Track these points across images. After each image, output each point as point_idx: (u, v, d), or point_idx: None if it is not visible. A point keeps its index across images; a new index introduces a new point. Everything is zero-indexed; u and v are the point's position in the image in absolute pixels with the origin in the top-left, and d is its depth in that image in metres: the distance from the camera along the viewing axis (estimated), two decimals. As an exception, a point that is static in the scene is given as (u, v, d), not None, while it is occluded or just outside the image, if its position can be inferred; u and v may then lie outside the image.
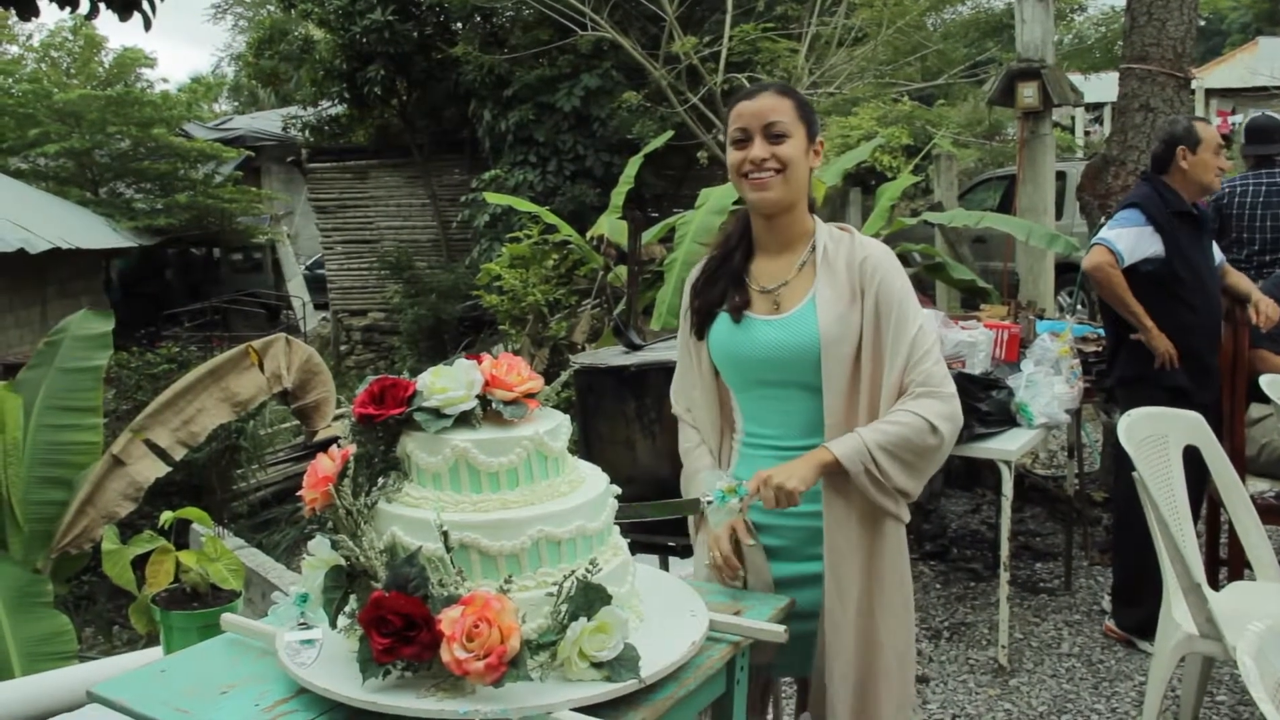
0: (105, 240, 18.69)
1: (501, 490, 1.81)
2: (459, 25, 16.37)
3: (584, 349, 9.48)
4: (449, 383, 1.85)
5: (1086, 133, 23.23)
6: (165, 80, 24.26)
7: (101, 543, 2.92)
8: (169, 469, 5.07)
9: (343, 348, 18.20)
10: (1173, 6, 6.19)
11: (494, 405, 1.85)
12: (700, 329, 2.43)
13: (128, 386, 11.80)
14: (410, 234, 17.86)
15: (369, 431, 1.88)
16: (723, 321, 2.39)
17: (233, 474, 11.40)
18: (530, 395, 1.90)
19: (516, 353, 9.74)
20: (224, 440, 10.95)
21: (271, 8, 22.61)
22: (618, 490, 1.98)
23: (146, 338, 18.78)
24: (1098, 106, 23.02)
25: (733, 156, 2.34)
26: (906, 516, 2.35)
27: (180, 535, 2.72)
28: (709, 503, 2.21)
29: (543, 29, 14.27)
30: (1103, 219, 6.43)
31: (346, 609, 1.80)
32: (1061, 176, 11.13)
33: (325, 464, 1.85)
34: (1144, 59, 6.26)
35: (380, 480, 1.87)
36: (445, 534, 1.72)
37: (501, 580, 1.71)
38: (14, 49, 24.82)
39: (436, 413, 1.83)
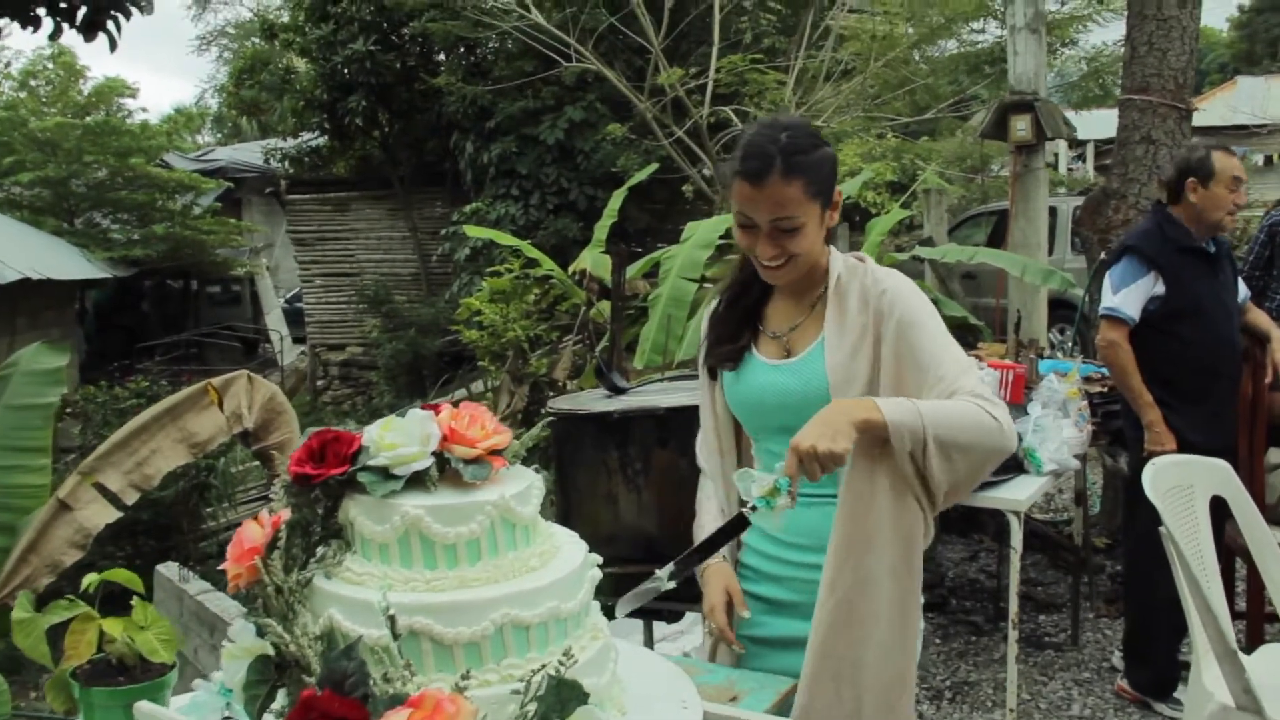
0: (78, 271, 18.34)
1: (460, 566, 1.53)
2: (442, 56, 16.18)
3: (565, 386, 9.22)
4: (400, 437, 1.57)
5: (1070, 169, 23.23)
6: (145, 110, 23.93)
7: (13, 610, 2.62)
8: (120, 514, 4.75)
9: (320, 383, 17.89)
10: (1174, 36, 6.01)
11: (453, 464, 1.57)
12: (712, 368, 2.26)
13: (94, 422, 11.52)
14: (390, 267, 17.60)
15: (306, 493, 1.61)
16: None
17: (202, 513, 11.09)
18: (496, 452, 1.62)
19: (496, 390, 9.49)
20: (192, 478, 10.66)
21: (256, 39, 22.40)
22: (598, 560, 1.71)
23: (120, 371, 18.46)
24: (1081, 143, 23.05)
25: (739, 237, 2.11)
26: (930, 530, 2.06)
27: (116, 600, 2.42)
28: (754, 510, 1.90)
29: (526, 60, 14.07)
30: (1102, 254, 6.22)
31: (275, 706, 1.52)
32: (1052, 212, 10.96)
33: (253, 532, 1.58)
34: (1145, 90, 6.06)
35: (319, 551, 1.60)
36: (392, 618, 1.44)
37: (458, 675, 1.43)
38: (-9, 77, 24.58)
39: (384, 473, 1.55)
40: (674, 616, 2.97)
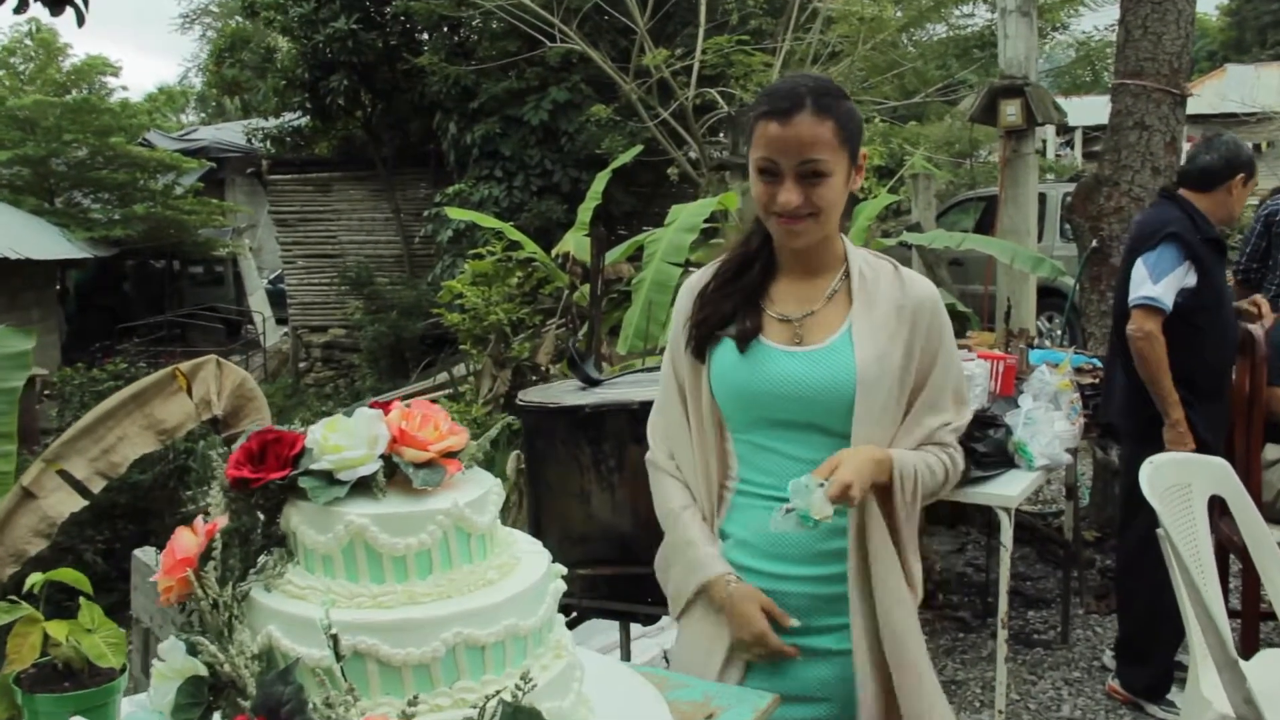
0: (58, 251, 18.13)
1: (409, 580, 1.40)
2: (425, 35, 15.98)
3: (548, 371, 9.10)
4: (345, 439, 1.44)
5: (1058, 155, 23.17)
6: (125, 88, 23.63)
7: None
8: (85, 503, 4.61)
9: (302, 365, 17.73)
10: (1169, 20, 5.88)
11: (402, 469, 1.44)
12: (700, 348, 2.02)
13: (72, 404, 11.37)
14: (373, 249, 17.43)
15: (245, 499, 1.48)
16: (728, 347, 2.00)
17: (181, 496, 10.95)
18: (450, 454, 1.50)
19: (478, 374, 9.35)
20: (171, 461, 10.52)
21: (240, 18, 22.14)
22: (562, 571, 1.59)
23: (101, 352, 18.28)
24: (1070, 129, 23.00)
25: (759, 189, 1.92)
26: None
27: (61, 602, 2.29)
28: (787, 514, 1.82)
29: (511, 40, 13.91)
30: (1094, 242, 6.11)
31: (207, 731, 1.39)
32: (1041, 199, 10.86)
33: (186, 540, 1.45)
34: (1138, 74, 5.94)
35: (259, 561, 1.47)
36: (334, 638, 1.32)
37: (406, 700, 1.31)
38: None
39: (328, 478, 1.42)
40: (649, 619, 2.86)
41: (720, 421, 2.03)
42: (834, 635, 1.98)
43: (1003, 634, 3.72)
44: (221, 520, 1.47)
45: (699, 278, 2.12)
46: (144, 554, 9.01)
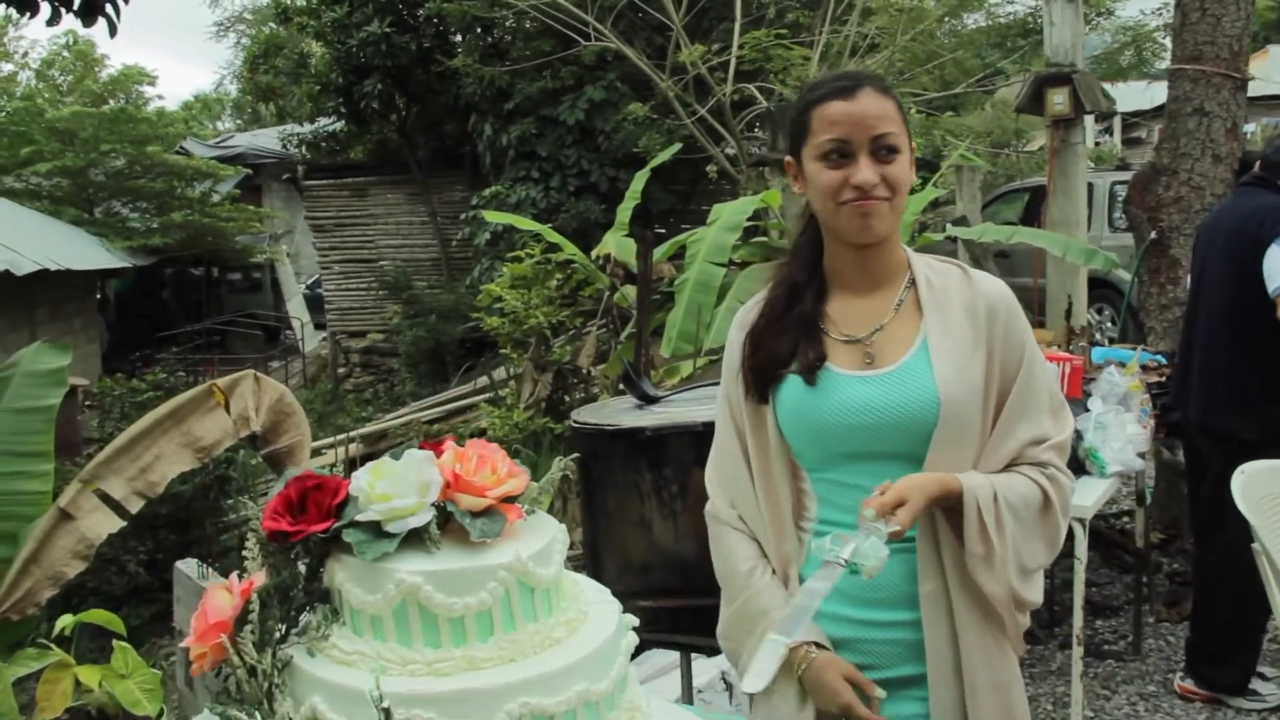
0: (97, 260, 18.20)
1: (468, 643, 1.27)
2: (458, 37, 15.87)
3: (590, 373, 8.98)
4: (393, 485, 1.30)
5: (1097, 143, 22.83)
6: (161, 97, 23.72)
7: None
8: (124, 523, 4.51)
9: (340, 370, 17.70)
10: (1228, 1, 5.66)
11: (457, 518, 1.30)
12: (763, 391, 1.84)
13: (113, 415, 11.35)
14: (410, 253, 17.35)
15: (284, 552, 1.34)
16: (793, 382, 1.82)
17: (223, 505, 10.92)
18: (510, 498, 1.35)
19: (519, 378, 9.25)
20: (212, 470, 10.48)
21: (274, 24, 22.17)
22: (634, 622, 1.44)
23: (141, 360, 18.34)
24: (1108, 116, 22.65)
25: (827, 177, 1.76)
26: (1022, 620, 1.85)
27: (93, 640, 2.18)
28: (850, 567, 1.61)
29: (545, 40, 13.78)
30: (1153, 233, 5.90)
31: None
32: (1088, 189, 10.62)
33: (219, 601, 1.31)
34: (1197, 59, 5.71)
35: (301, 621, 1.33)
36: (386, 711, 1.18)
37: (467, 781, 1.18)
38: (8, 66, 24.45)
39: (376, 530, 1.29)
40: (714, 651, 2.71)
41: (792, 461, 1.86)
42: (917, 690, 1.80)
43: (1077, 650, 3.56)
44: (259, 576, 1.33)
45: (747, 314, 1.94)
46: (186, 565, 8.96)
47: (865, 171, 1.73)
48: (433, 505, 1.30)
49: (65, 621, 2.08)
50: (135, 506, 4.51)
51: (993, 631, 1.79)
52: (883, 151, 1.74)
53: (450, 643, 1.26)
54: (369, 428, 11.99)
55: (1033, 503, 1.78)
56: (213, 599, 1.32)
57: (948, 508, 1.74)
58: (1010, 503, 1.75)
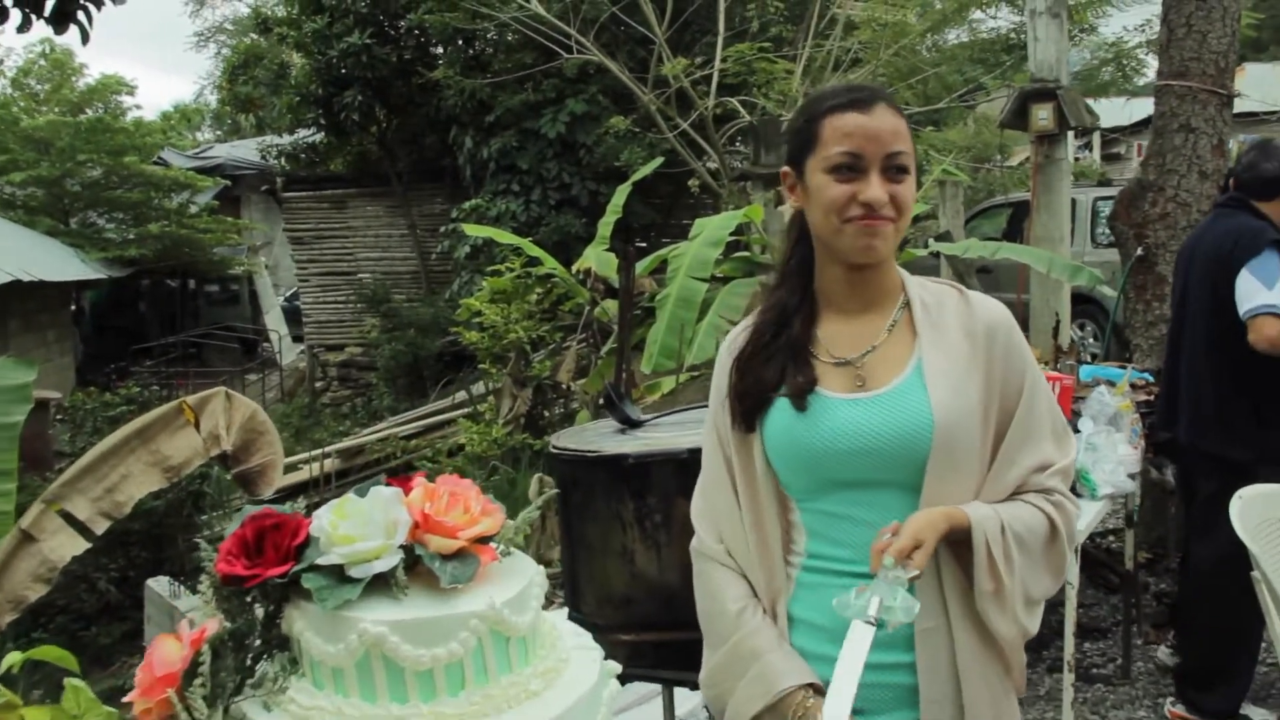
0: (72, 272, 17.99)
1: (437, 698, 1.17)
2: (439, 49, 15.80)
3: (569, 388, 8.90)
4: (358, 526, 1.20)
5: (1076, 158, 22.91)
6: (140, 107, 23.52)
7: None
8: (88, 545, 4.39)
9: (318, 384, 17.55)
10: (1214, 17, 5.63)
11: (426, 562, 1.21)
12: (750, 419, 1.76)
13: (85, 430, 11.19)
14: (389, 266, 17.25)
15: (239, 597, 1.24)
16: (782, 407, 1.73)
17: (196, 522, 10.77)
18: (484, 539, 1.26)
19: (498, 393, 9.16)
20: (185, 486, 10.33)
21: (254, 35, 22.05)
22: (617, 669, 1.35)
23: (116, 373, 18.15)
24: (1087, 131, 22.78)
25: (835, 191, 1.68)
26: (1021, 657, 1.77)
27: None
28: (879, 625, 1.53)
29: (526, 52, 13.73)
30: (1139, 250, 5.85)
31: None
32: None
33: (167, 652, 1.21)
34: (1183, 75, 5.68)
35: (258, 670, 1.23)
36: (347, 774, 1.08)
37: None
38: (-16, 75, 24.25)
39: (339, 574, 1.19)
40: (697, 686, 2.61)
41: (779, 491, 1.76)
42: None
43: (1069, 677, 3.48)
44: (212, 624, 1.23)
45: (735, 338, 1.85)
46: (157, 583, 8.81)
47: (876, 189, 1.65)
48: (400, 547, 1.21)
49: (14, 659, 1.96)
50: (101, 527, 4.39)
51: (997, 671, 1.72)
52: (894, 170, 1.67)
53: (418, 697, 1.16)
54: (346, 443, 11.87)
55: (1039, 532, 1.71)
56: (160, 649, 1.21)
57: (953, 541, 1.66)
58: (1018, 534, 1.68)
